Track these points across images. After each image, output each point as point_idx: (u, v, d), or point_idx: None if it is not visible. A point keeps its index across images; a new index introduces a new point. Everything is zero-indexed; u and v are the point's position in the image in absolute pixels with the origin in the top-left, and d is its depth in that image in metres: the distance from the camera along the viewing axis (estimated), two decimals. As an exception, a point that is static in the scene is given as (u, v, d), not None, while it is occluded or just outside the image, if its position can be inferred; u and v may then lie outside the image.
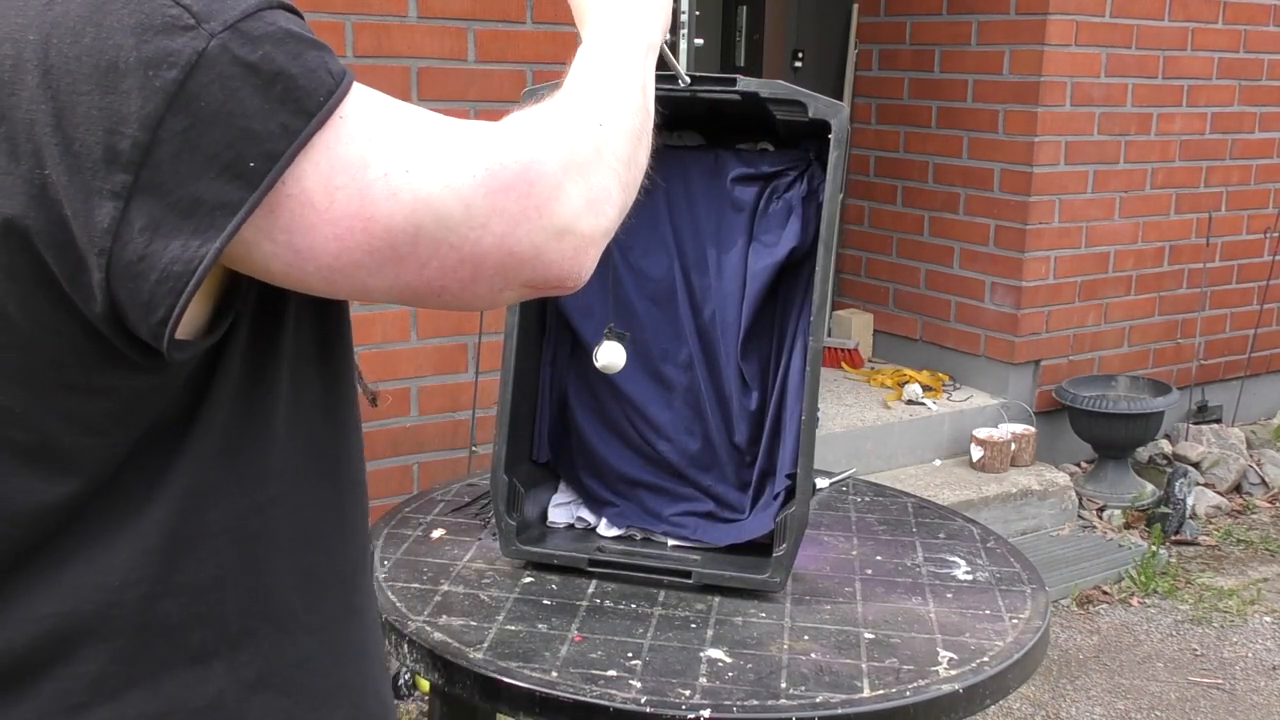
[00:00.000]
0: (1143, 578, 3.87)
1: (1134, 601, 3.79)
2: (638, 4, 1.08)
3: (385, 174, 0.77)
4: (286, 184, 0.75)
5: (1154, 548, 4.00)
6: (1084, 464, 4.59)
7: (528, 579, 1.62)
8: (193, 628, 0.83)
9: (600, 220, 0.87)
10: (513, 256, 0.81)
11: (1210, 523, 4.36)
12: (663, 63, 1.41)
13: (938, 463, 4.29)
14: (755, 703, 1.33)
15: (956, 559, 1.73)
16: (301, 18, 0.79)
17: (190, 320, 0.77)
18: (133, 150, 0.71)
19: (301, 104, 0.75)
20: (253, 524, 0.86)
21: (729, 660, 1.42)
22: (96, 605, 0.81)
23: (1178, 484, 4.25)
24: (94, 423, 0.79)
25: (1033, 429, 4.34)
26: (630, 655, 1.41)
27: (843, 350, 4.76)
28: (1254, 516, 4.47)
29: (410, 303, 0.84)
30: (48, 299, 0.74)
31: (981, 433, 4.23)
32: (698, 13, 3.85)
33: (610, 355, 1.61)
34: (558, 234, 0.83)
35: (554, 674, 1.36)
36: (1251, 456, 4.75)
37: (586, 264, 0.86)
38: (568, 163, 0.84)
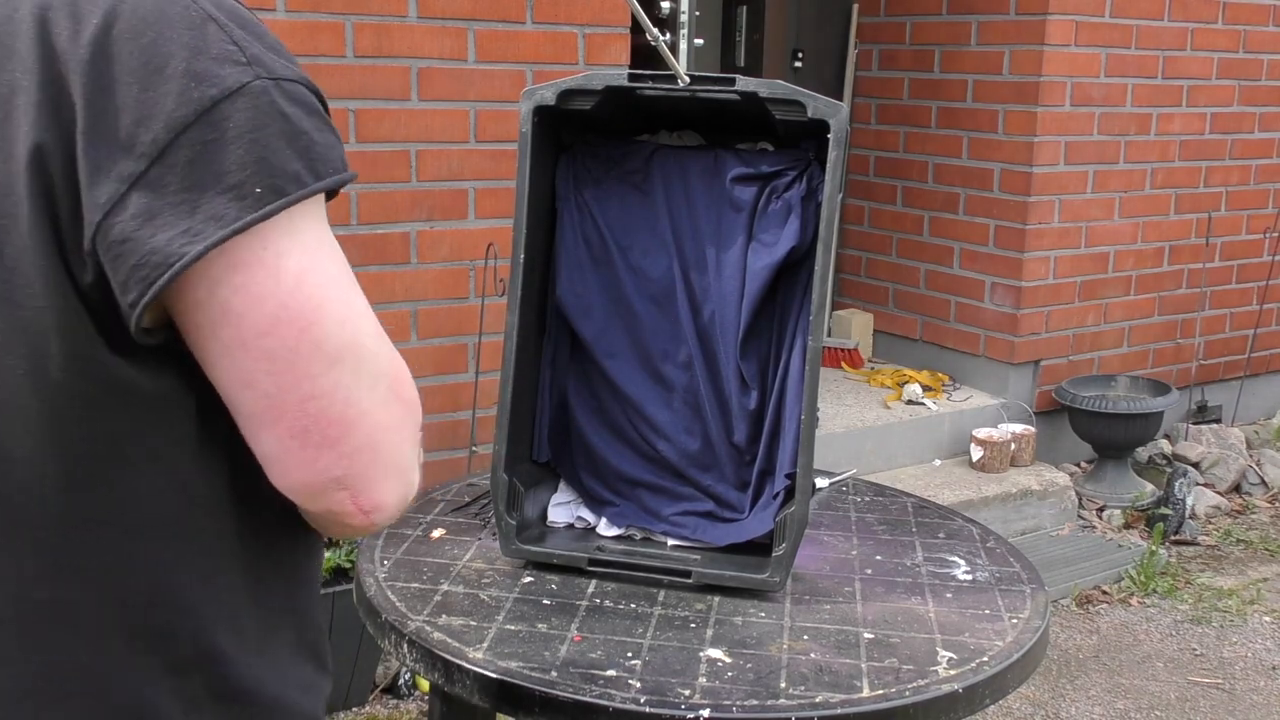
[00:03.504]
0: (1142, 578, 3.87)
1: (1134, 601, 3.79)
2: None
3: (348, 301, 0.83)
4: (269, 249, 0.78)
5: (1154, 548, 4.00)
6: (1084, 464, 4.59)
7: (527, 579, 1.62)
8: (139, 649, 0.84)
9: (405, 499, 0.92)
10: (378, 449, 0.85)
11: (1210, 523, 4.36)
12: (663, 63, 1.41)
13: (938, 463, 4.29)
14: (755, 702, 1.33)
15: (956, 559, 1.73)
16: (328, 111, 0.86)
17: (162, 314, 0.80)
18: (151, 146, 0.76)
19: (315, 165, 0.80)
20: (207, 551, 0.87)
21: (728, 660, 1.42)
22: (40, 616, 0.82)
23: (1177, 484, 4.24)
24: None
25: (1032, 429, 4.34)
26: (630, 655, 1.41)
27: (843, 350, 4.76)
28: (1254, 516, 4.47)
29: (273, 415, 0.82)
30: (55, 253, 0.78)
31: (981, 433, 4.23)
32: (698, 13, 3.85)
33: None
34: (410, 469, 0.89)
35: (554, 674, 1.36)
36: (1251, 456, 4.75)
37: (384, 521, 0.89)
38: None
